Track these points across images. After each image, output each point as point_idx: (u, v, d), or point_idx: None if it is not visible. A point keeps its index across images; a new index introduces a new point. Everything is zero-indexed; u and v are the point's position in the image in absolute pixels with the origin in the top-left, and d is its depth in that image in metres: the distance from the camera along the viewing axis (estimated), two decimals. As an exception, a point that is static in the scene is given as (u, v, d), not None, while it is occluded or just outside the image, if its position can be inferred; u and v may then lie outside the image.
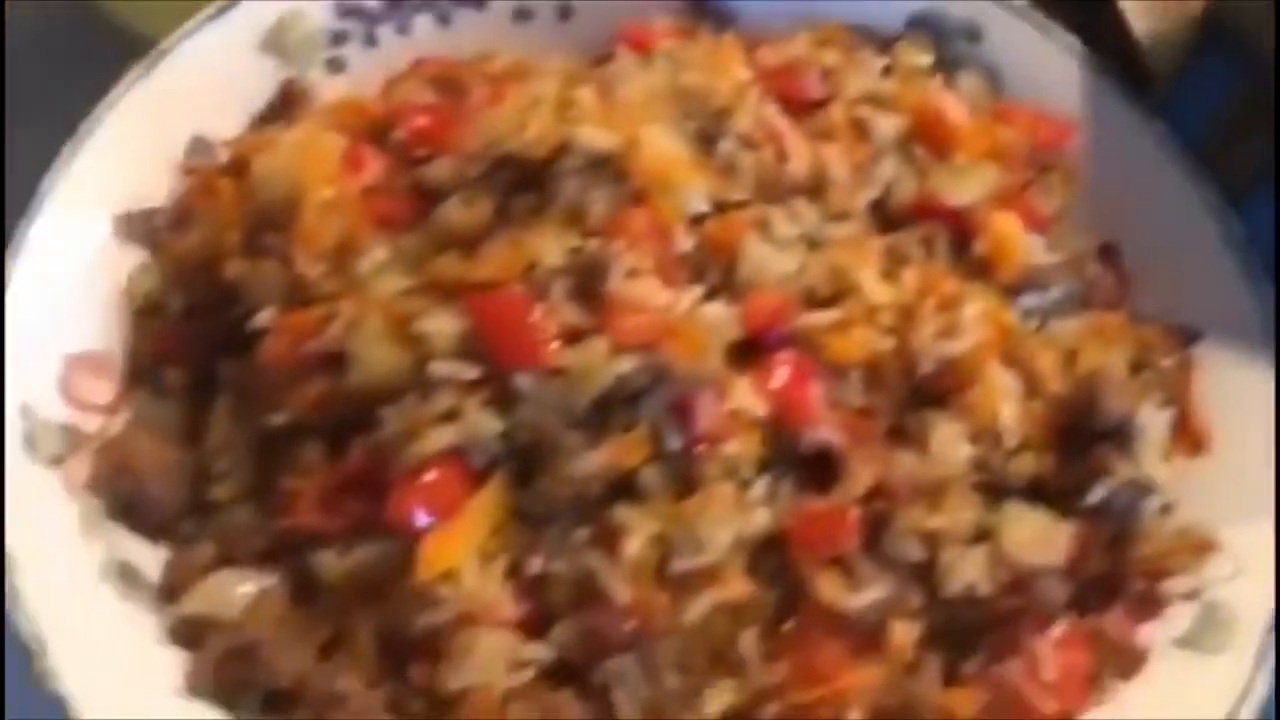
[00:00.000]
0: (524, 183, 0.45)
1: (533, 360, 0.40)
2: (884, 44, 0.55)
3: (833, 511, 0.42)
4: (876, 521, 0.43)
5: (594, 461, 0.40)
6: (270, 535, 0.42)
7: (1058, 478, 0.44)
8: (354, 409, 0.42)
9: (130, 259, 0.47)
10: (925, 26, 0.55)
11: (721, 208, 0.46)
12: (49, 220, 0.45)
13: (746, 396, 0.42)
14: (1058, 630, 0.42)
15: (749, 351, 0.44)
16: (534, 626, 0.41)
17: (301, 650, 0.40)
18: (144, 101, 0.48)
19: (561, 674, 0.41)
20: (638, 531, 0.40)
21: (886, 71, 0.52)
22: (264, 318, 0.42)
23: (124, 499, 0.43)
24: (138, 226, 0.47)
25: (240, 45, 0.51)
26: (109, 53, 0.54)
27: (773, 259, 0.45)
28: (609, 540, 0.40)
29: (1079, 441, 0.45)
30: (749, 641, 0.42)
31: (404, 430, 0.40)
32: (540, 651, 0.40)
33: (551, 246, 0.43)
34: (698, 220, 0.45)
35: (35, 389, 0.43)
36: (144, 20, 0.56)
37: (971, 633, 0.43)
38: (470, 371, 0.41)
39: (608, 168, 0.44)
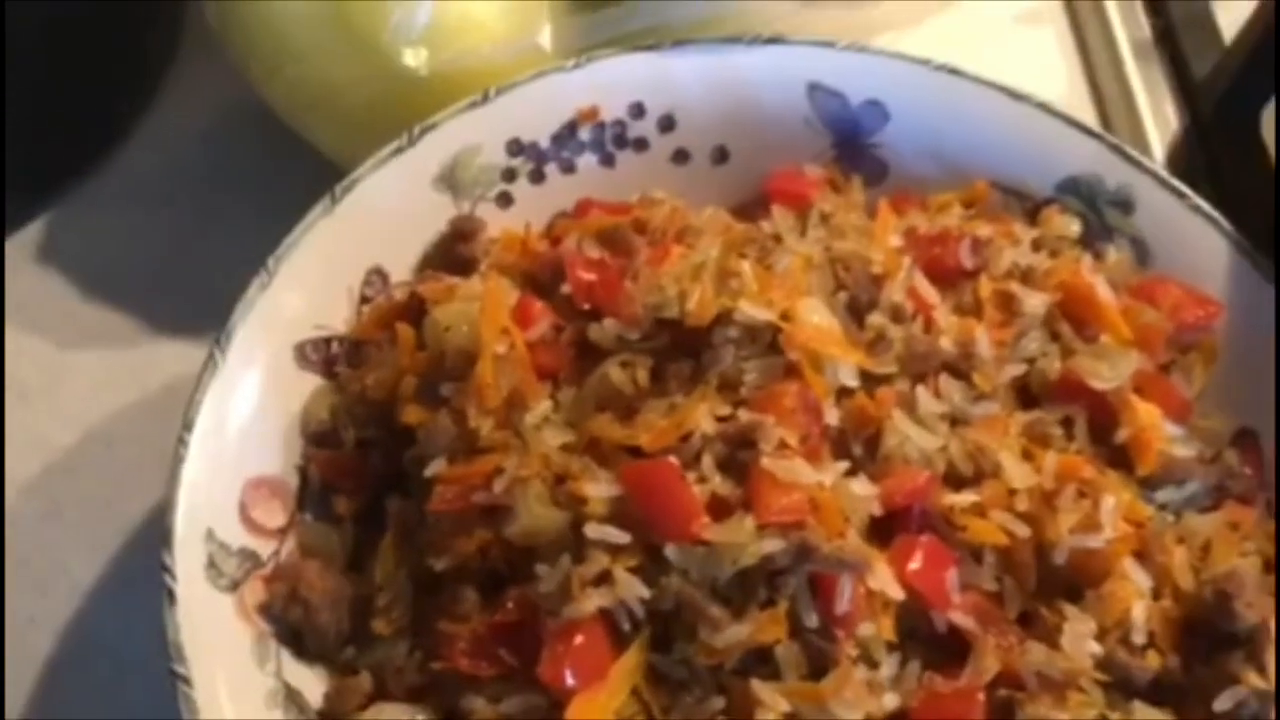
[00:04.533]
0: (680, 347, 0.47)
1: (683, 533, 0.42)
2: (1033, 206, 0.56)
3: (959, 695, 0.44)
4: (1001, 708, 0.44)
5: (735, 635, 0.42)
6: (424, 673, 0.45)
7: (1183, 679, 0.45)
8: (511, 559, 0.45)
9: (306, 384, 0.50)
10: (1076, 192, 0.56)
11: (867, 379, 0.48)
12: (238, 350, 0.48)
13: (886, 580, 0.43)
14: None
15: (885, 526, 0.46)
16: (662, 789, 0.43)
17: (449, 790, 0.43)
18: (329, 233, 0.51)
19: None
20: (772, 707, 0.41)
21: (1035, 244, 0.53)
22: (436, 467, 0.45)
23: (292, 626, 0.46)
24: (315, 354, 0.51)
25: (418, 179, 0.54)
26: (301, 167, 0.59)
27: (917, 437, 0.46)
28: (743, 712, 0.42)
29: (1207, 643, 0.45)
30: (869, 820, 0.43)
31: (558, 589, 0.43)
32: (671, 815, 0.42)
33: (705, 416, 0.45)
34: (844, 393, 0.47)
35: (218, 514, 0.46)
36: (333, 145, 0.60)
37: (1089, 831, 0.44)
38: (622, 537, 0.43)
39: (763, 339, 0.46)
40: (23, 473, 0.60)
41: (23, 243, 0.65)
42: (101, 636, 0.56)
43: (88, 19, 0.64)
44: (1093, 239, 0.55)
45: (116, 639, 0.56)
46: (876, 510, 0.45)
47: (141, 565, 0.57)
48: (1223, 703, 0.44)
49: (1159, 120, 0.70)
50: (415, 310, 0.50)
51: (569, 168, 0.56)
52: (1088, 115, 0.70)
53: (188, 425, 0.46)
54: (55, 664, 0.55)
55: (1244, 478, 0.50)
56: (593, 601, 0.42)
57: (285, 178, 0.58)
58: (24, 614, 0.56)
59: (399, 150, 0.53)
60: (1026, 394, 0.50)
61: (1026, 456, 0.47)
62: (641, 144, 0.57)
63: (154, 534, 0.58)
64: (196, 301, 0.60)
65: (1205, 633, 0.45)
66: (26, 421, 0.61)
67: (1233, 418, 0.52)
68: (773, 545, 0.42)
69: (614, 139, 0.57)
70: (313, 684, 0.46)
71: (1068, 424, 0.49)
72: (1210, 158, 0.69)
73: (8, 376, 0.62)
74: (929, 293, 0.50)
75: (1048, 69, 0.73)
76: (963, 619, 0.44)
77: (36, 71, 0.62)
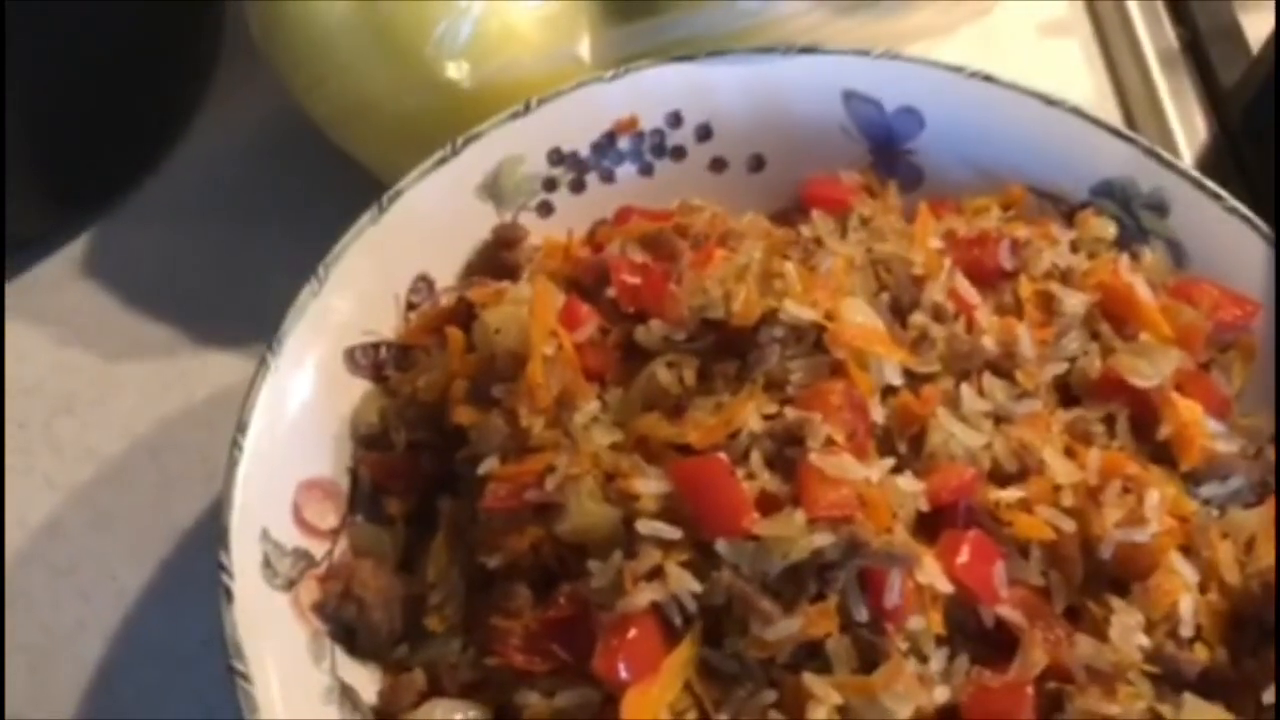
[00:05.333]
0: (726, 347, 0.48)
1: (733, 528, 0.43)
2: (1068, 209, 0.57)
3: (1008, 688, 0.44)
4: (1049, 702, 0.44)
5: (787, 629, 0.42)
6: (478, 669, 0.45)
7: (1231, 672, 0.45)
8: (562, 556, 0.45)
9: (356, 389, 0.51)
10: (1111, 195, 0.57)
11: (911, 378, 0.48)
12: (289, 354, 0.49)
13: (934, 574, 0.43)
14: (1227, 827, 0.43)
15: (932, 522, 0.46)
16: (716, 781, 0.43)
17: (504, 784, 0.43)
18: (377, 241, 0.52)
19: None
20: (824, 701, 0.42)
21: (1073, 245, 0.54)
22: (489, 466, 0.46)
23: (346, 624, 0.46)
24: (364, 358, 0.51)
25: (463, 189, 0.55)
26: (342, 181, 0.60)
27: (961, 434, 0.47)
28: (795, 706, 0.42)
29: (1254, 636, 0.46)
30: (921, 812, 0.43)
31: (610, 584, 0.43)
32: (726, 807, 0.42)
33: (753, 413, 0.45)
34: (889, 391, 0.47)
35: (272, 514, 0.47)
36: (375, 157, 0.61)
37: (1139, 821, 0.44)
38: (673, 532, 0.43)
39: (808, 339, 0.47)
40: (71, 482, 0.60)
41: (69, 257, 0.66)
42: (149, 641, 0.57)
43: (130, 35, 0.65)
44: (1128, 241, 0.56)
45: (164, 643, 0.56)
46: (923, 506, 0.45)
47: (188, 571, 0.58)
48: (1270, 694, 0.44)
49: (1187, 128, 0.71)
50: (463, 315, 0.50)
51: (609, 177, 0.57)
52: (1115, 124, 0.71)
53: (241, 427, 0.47)
54: (104, 668, 0.56)
55: (1286, 473, 0.50)
56: (645, 596, 0.42)
57: (327, 191, 0.59)
58: (73, 619, 0.57)
59: (443, 160, 0.54)
60: (1068, 392, 0.51)
61: (1069, 453, 0.48)
62: (679, 153, 0.58)
63: (199, 540, 0.59)
64: (240, 313, 0.61)
65: (1253, 626, 0.46)
66: (75, 432, 0.62)
67: (1274, 415, 0.52)
68: (822, 539, 0.42)
69: (652, 148, 0.58)
70: (367, 681, 0.46)
71: (1109, 421, 0.49)
72: (1240, 165, 0.69)
73: (56, 389, 0.63)
74: (970, 293, 0.50)
75: (1074, 78, 0.74)
76: (1010, 613, 0.44)
77: (79, 88, 0.63)
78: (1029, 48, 0.75)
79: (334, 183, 0.61)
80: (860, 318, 0.47)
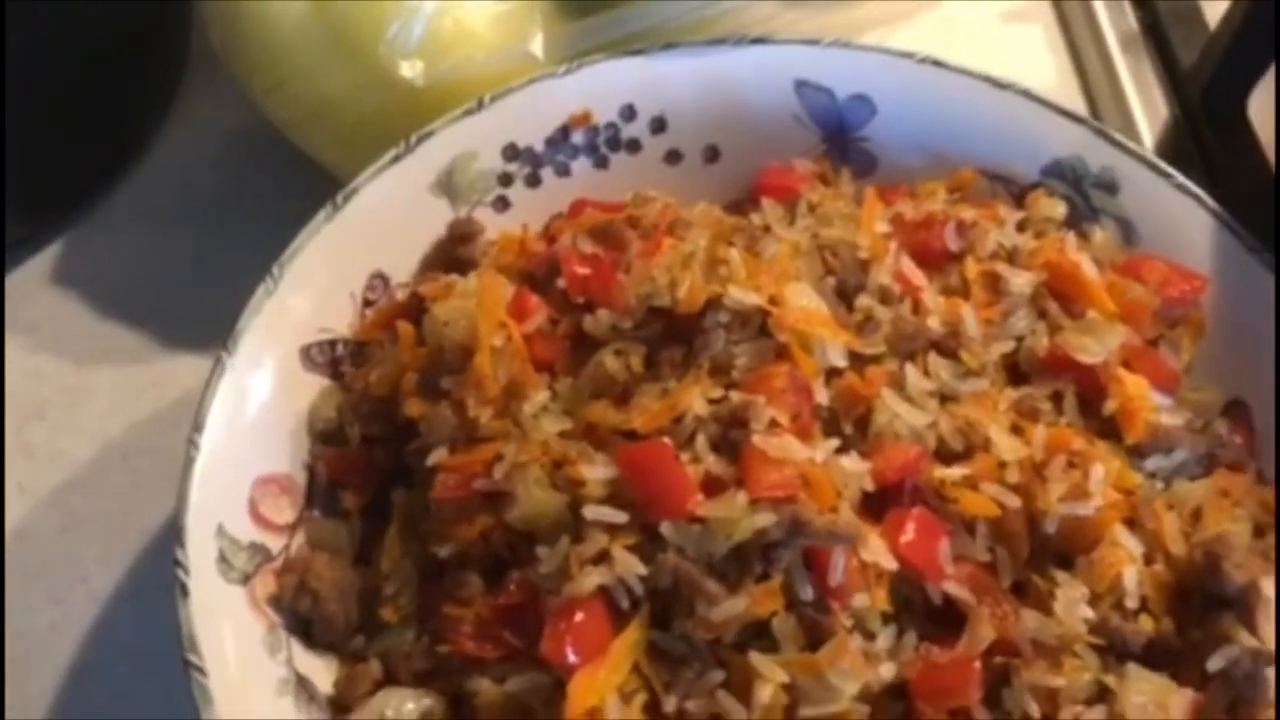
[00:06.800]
0: (673, 334, 0.48)
1: (677, 511, 0.43)
2: (1019, 191, 0.57)
3: (956, 664, 0.44)
4: (997, 676, 0.45)
5: (732, 609, 0.43)
6: (431, 658, 0.46)
7: (1177, 641, 0.46)
8: (512, 544, 0.46)
9: (312, 385, 0.52)
10: (1061, 175, 0.57)
11: (857, 359, 0.49)
12: (245, 353, 0.49)
13: (878, 551, 0.44)
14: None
15: (879, 501, 0.47)
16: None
17: (457, 769, 0.44)
18: (332, 239, 0.52)
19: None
20: (770, 679, 0.42)
21: (1021, 225, 0.54)
22: (438, 456, 0.46)
23: (302, 616, 0.47)
24: (321, 356, 0.52)
25: (417, 186, 0.55)
26: (307, 185, 0.60)
27: (906, 414, 0.47)
28: (742, 684, 0.43)
29: (1199, 605, 0.46)
30: (870, 787, 0.44)
31: (558, 570, 0.44)
32: (674, 786, 0.43)
33: (698, 398, 0.46)
34: (834, 373, 0.48)
35: (228, 510, 0.47)
36: (334, 157, 0.61)
37: (1087, 792, 0.44)
38: (619, 517, 0.44)
39: (753, 323, 0.48)
40: (42, 487, 0.61)
41: (39, 264, 0.67)
42: (120, 642, 0.57)
43: (97, 46, 0.66)
44: (1079, 220, 0.56)
45: (134, 644, 0.57)
46: (869, 485, 0.46)
47: (157, 573, 0.58)
48: (1215, 662, 0.44)
49: (1149, 110, 0.71)
50: (416, 309, 0.51)
51: (564, 171, 0.58)
52: (1078, 108, 0.71)
53: (198, 426, 0.48)
54: (76, 669, 0.57)
55: (1234, 446, 0.50)
56: (592, 579, 0.43)
57: (295, 194, 0.59)
58: (45, 622, 0.58)
59: (397, 158, 0.54)
60: (1016, 371, 0.51)
61: (1016, 431, 0.48)
62: (634, 145, 0.59)
63: (170, 542, 0.59)
64: (208, 318, 0.61)
65: (1197, 595, 0.46)
66: (45, 437, 0.62)
67: (1224, 389, 0.53)
68: (765, 519, 0.43)
69: (607, 141, 0.58)
70: (323, 673, 0.47)
71: (1057, 398, 0.50)
72: (1200, 144, 0.70)
73: (27, 395, 0.64)
74: (916, 275, 0.51)
75: (1037, 65, 0.75)
76: (957, 589, 0.45)
77: (48, 97, 0.64)
78: (991, 34, 0.76)
79: (302, 186, 0.61)
80: (804, 301, 0.48)
